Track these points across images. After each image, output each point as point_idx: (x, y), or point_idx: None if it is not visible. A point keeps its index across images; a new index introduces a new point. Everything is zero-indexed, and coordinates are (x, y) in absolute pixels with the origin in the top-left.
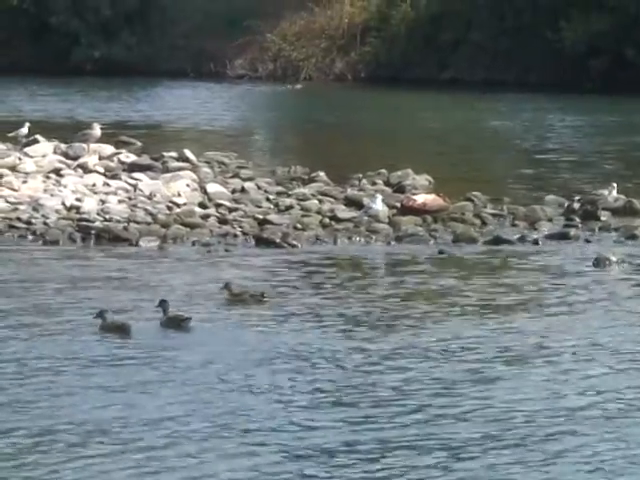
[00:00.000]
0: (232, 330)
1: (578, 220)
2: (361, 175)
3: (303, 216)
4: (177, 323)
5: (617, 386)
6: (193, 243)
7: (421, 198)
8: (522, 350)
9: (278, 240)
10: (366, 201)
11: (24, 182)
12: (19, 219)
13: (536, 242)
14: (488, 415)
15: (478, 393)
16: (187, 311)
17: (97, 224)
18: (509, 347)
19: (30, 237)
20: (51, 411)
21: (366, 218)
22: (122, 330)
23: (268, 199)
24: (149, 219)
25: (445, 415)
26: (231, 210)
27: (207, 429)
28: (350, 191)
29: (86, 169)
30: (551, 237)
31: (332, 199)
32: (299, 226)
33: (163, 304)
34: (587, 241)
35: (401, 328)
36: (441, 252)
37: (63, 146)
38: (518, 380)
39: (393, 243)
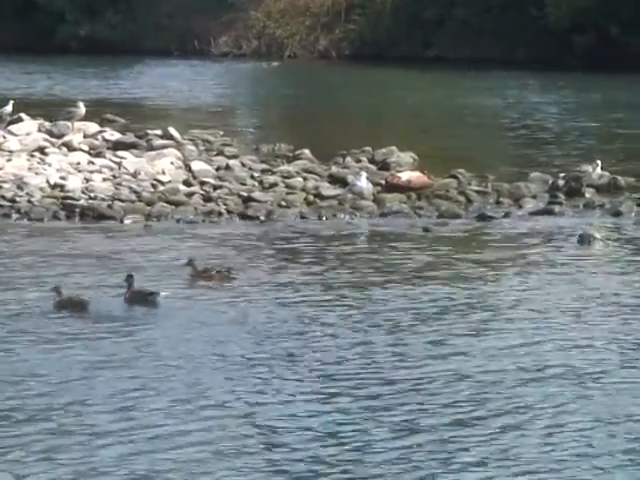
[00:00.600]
0: (192, 305)
1: (562, 197)
2: (345, 152)
3: (287, 193)
4: (144, 297)
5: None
6: (178, 221)
7: (406, 175)
8: (488, 320)
9: (262, 218)
10: (350, 178)
11: (8, 160)
12: (3, 197)
13: (520, 219)
14: (445, 381)
15: (442, 361)
16: (155, 287)
17: (82, 202)
18: (481, 316)
19: (14, 215)
20: None
21: (350, 195)
22: (79, 306)
23: (252, 177)
24: (134, 197)
25: (403, 384)
26: (215, 188)
27: (160, 403)
28: (334, 168)
29: (70, 147)
30: (535, 214)
31: (316, 176)
32: (283, 203)
33: (129, 279)
34: (571, 218)
35: (372, 300)
36: (425, 229)
37: (47, 124)
38: (479, 345)
39: (377, 220)
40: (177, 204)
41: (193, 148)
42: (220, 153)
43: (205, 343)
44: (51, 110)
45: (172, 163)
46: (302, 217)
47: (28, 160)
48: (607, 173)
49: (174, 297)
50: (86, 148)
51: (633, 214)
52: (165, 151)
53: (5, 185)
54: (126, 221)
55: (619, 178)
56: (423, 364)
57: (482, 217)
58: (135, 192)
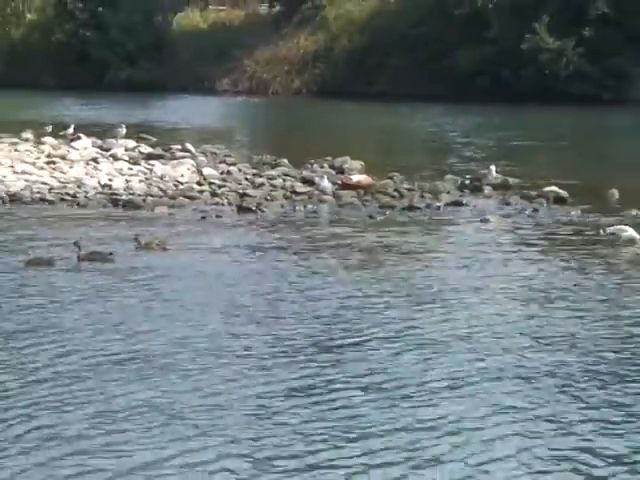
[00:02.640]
0: (131, 265)
1: (468, 192)
2: (313, 161)
3: (271, 191)
4: (104, 257)
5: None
6: (193, 210)
7: (356, 177)
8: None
9: (253, 208)
10: (317, 180)
11: (71, 167)
12: (67, 194)
13: (438, 208)
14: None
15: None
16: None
17: (124, 197)
18: (399, 284)
19: (75, 206)
20: None
21: (317, 192)
22: (47, 263)
23: (246, 179)
24: (161, 193)
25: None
26: (220, 187)
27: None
28: (305, 172)
29: (115, 158)
30: (449, 205)
31: (292, 178)
32: (268, 198)
33: (77, 243)
34: (475, 207)
35: (317, 261)
36: (370, 216)
37: (99, 141)
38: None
39: (336, 209)
40: (192, 198)
41: (203, 158)
42: (223, 162)
43: (140, 290)
44: (101, 131)
45: (188, 169)
46: (282, 207)
47: (85, 167)
48: (500, 175)
49: (120, 259)
50: (127, 158)
51: (517, 204)
52: (183, 160)
53: (69, 185)
54: (155, 210)
55: (508, 179)
56: (348, 321)
57: (410, 207)
58: (162, 190)
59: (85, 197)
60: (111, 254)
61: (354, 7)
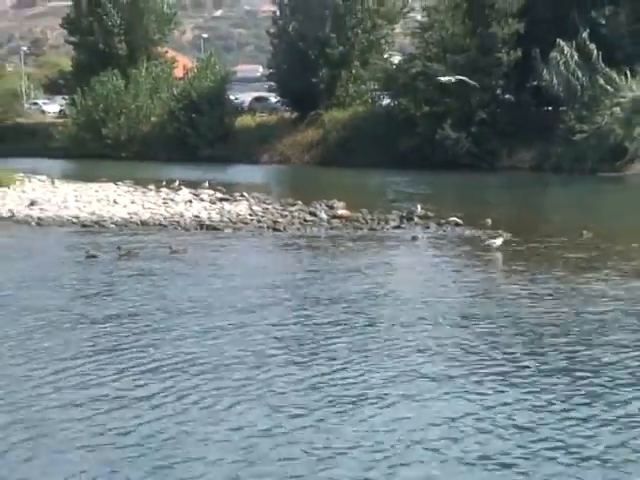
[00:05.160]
0: (161, 262)
1: (405, 221)
2: (315, 202)
3: (292, 219)
4: (134, 254)
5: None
6: (246, 230)
7: (341, 211)
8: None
9: (281, 229)
10: (318, 213)
11: (176, 205)
12: (174, 221)
13: (387, 229)
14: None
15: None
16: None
17: (207, 222)
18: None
19: (179, 228)
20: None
21: (318, 220)
22: (94, 257)
23: (277, 212)
24: (228, 221)
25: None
26: (262, 217)
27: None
28: (311, 208)
29: (202, 200)
30: (394, 228)
31: (304, 212)
32: (290, 223)
33: (119, 246)
34: (403, 229)
35: (309, 259)
36: (348, 234)
37: (193, 190)
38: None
39: (329, 231)
40: (246, 224)
41: (252, 200)
42: (264, 202)
43: (160, 279)
44: (194, 185)
45: (244, 207)
46: (298, 229)
47: (184, 205)
48: (423, 210)
49: (151, 258)
50: (208, 200)
51: (434, 228)
52: (241, 202)
53: (175, 216)
54: (225, 230)
55: (428, 213)
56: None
57: (372, 229)
58: (229, 219)
59: (184, 223)
60: (137, 252)
61: (339, 114)
